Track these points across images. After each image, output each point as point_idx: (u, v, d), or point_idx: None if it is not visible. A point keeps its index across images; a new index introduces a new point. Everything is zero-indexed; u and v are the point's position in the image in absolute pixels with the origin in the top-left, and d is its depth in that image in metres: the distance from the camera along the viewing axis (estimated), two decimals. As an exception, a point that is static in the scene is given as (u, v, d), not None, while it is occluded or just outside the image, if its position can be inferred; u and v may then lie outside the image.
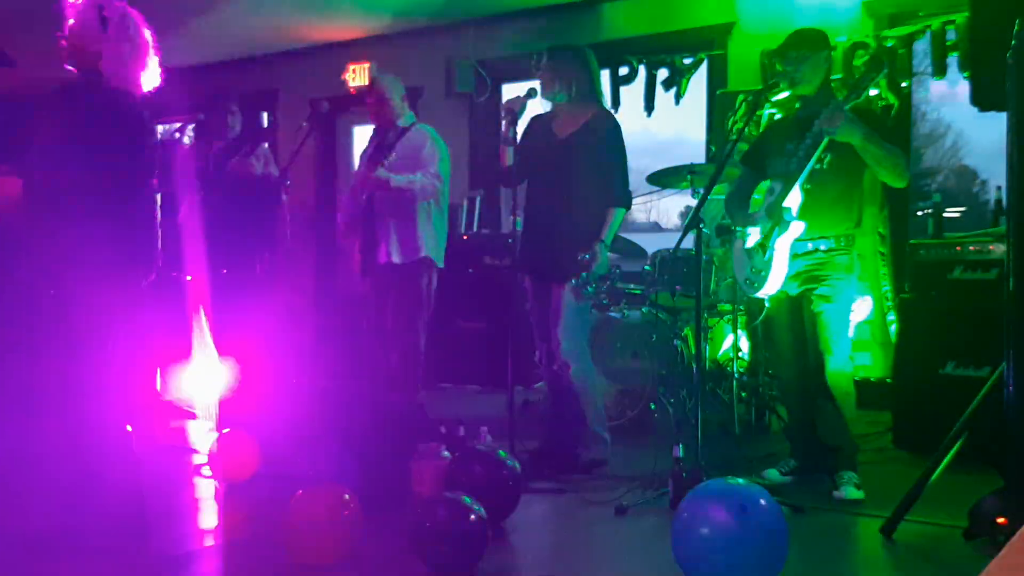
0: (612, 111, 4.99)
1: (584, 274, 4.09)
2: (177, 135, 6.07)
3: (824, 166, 3.78)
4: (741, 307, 5.13)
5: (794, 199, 3.77)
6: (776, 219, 3.80)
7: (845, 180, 3.84)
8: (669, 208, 7.69)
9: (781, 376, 4.16)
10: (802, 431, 4.03)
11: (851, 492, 3.74)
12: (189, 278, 5.11)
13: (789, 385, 4.10)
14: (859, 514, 3.57)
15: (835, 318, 3.83)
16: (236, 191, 5.19)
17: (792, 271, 3.84)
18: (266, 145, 5.49)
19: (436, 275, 4.97)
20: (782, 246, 3.80)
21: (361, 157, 5.17)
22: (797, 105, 4.10)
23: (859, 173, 3.87)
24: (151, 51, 3.40)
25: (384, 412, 4.05)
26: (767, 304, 4.01)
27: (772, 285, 3.85)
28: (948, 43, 5.56)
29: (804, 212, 3.78)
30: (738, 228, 4.04)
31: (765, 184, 4.03)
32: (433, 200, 4.86)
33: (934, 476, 3.23)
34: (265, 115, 9.09)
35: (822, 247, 3.84)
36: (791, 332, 3.97)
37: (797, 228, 3.78)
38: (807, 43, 3.88)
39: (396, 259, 4.84)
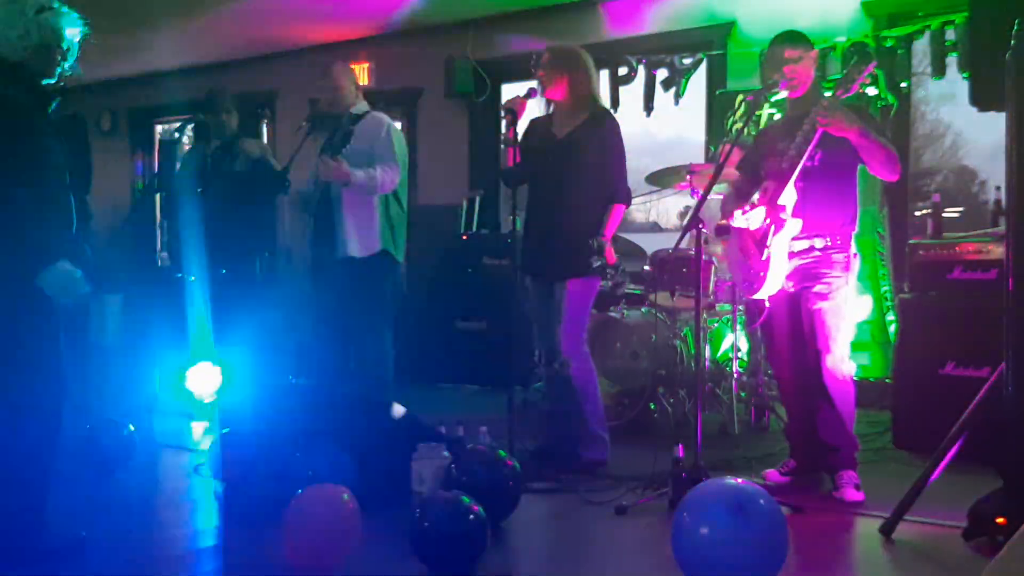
0: (610, 110, 4.99)
1: (599, 260, 4.11)
2: (176, 135, 6.06)
3: (816, 163, 3.78)
4: (741, 307, 5.13)
5: (789, 198, 3.77)
6: (772, 217, 3.81)
7: (837, 177, 3.85)
8: (669, 208, 7.68)
9: (780, 375, 4.15)
10: (802, 431, 4.03)
11: (851, 493, 3.74)
12: (192, 278, 5.10)
13: (788, 384, 4.09)
14: (859, 514, 3.57)
15: (832, 316, 3.83)
16: (234, 190, 5.18)
17: (789, 270, 3.85)
18: (264, 140, 5.47)
19: (399, 272, 4.88)
20: (779, 245, 3.80)
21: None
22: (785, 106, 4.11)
23: (851, 169, 3.88)
24: None
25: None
26: (767, 305, 4.00)
27: (771, 286, 3.85)
28: (948, 43, 5.55)
29: (799, 210, 3.78)
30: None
31: None
32: (392, 193, 4.79)
33: (934, 476, 3.23)
34: (265, 113, 9.09)
35: (817, 245, 3.84)
36: (789, 331, 3.97)
37: (793, 226, 3.78)
38: (801, 43, 3.89)
39: (355, 253, 4.72)
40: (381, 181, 4.67)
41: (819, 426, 3.89)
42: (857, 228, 3.93)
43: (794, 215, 3.77)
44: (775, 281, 3.82)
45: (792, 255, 3.82)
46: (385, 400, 4.48)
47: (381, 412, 4.07)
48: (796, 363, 3.98)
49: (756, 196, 3.92)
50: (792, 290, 3.88)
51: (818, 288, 3.83)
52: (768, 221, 3.80)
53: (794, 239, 3.80)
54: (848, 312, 3.92)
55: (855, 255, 3.91)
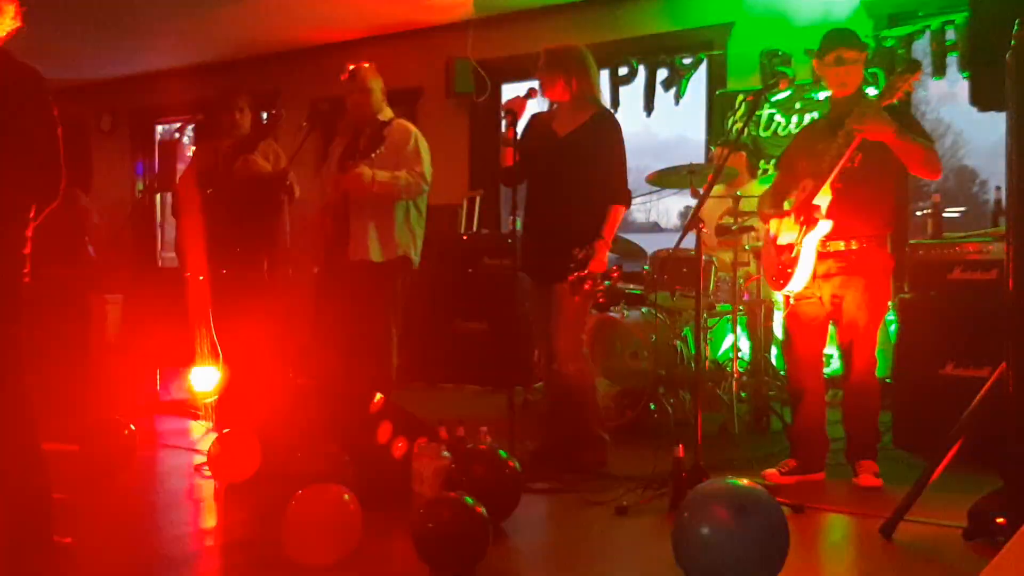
0: (611, 110, 4.99)
1: (579, 273, 4.09)
2: (177, 135, 6.05)
3: (855, 165, 3.80)
4: (741, 307, 5.13)
5: (824, 198, 3.79)
6: (806, 215, 3.82)
7: (876, 180, 3.89)
8: (669, 208, 7.70)
9: (794, 372, 4.13)
10: (808, 431, 4.05)
11: (868, 480, 3.87)
12: (201, 278, 5.10)
13: (800, 382, 4.07)
14: (859, 514, 3.57)
15: (864, 315, 3.89)
16: (242, 190, 5.17)
17: (822, 271, 3.88)
18: (272, 142, 5.45)
19: (410, 276, 4.86)
20: (810, 244, 3.83)
21: (333, 151, 5.01)
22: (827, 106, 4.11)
23: (890, 173, 3.92)
24: None
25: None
26: (792, 301, 4.03)
27: (798, 282, 3.88)
28: (948, 43, 5.56)
29: (833, 211, 3.81)
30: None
31: None
32: (413, 200, 4.79)
33: (934, 476, 3.23)
34: (265, 115, 9.09)
35: (854, 246, 3.88)
36: (815, 329, 4.01)
37: (824, 227, 3.81)
38: (858, 45, 3.94)
39: (374, 257, 4.71)
40: (406, 184, 4.65)
41: (844, 416, 4.02)
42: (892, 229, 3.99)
43: (828, 215, 3.80)
44: (802, 278, 3.87)
45: (827, 255, 3.88)
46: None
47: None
48: (815, 361, 4.04)
49: (794, 195, 3.96)
50: (824, 291, 3.93)
51: (852, 290, 3.88)
52: (801, 219, 3.82)
53: (830, 239, 3.85)
54: (881, 312, 3.97)
55: (891, 256, 3.95)
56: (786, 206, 4.10)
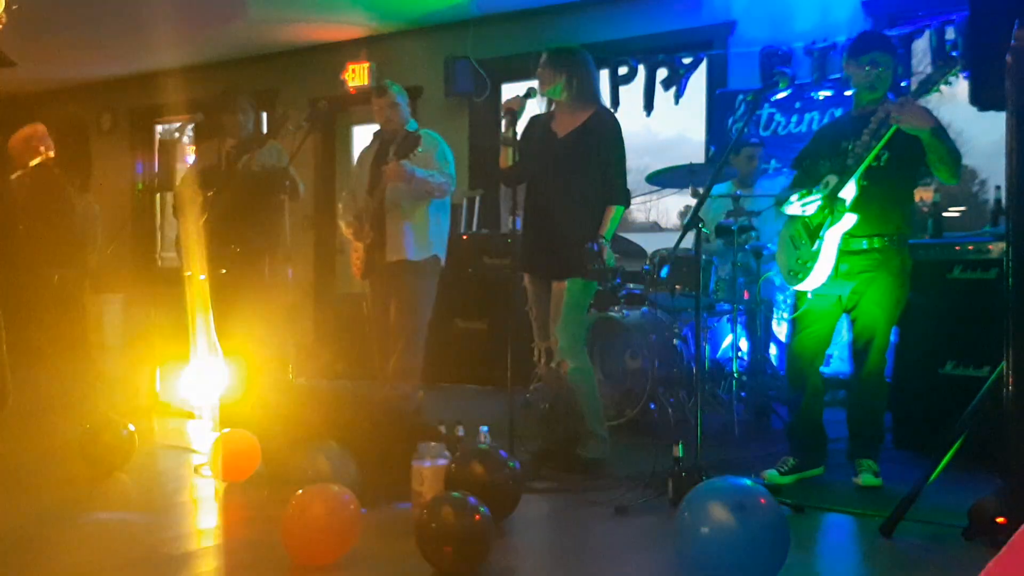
0: (611, 110, 5.01)
1: (596, 265, 4.12)
2: (177, 135, 6.04)
3: (881, 163, 3.81)
4: (741, 307, 5.13)
5: (849, 192, 3.80)
6: (830, 209, 3.83)
7: (900, 179, 3.90)
8: (669, 208, 7.71)
9: (800, 369, 4.11)
10: (807, 427, 4.05)
11: (868, 479, 3.85)
12: (203, 277, 5.11)
13: (804, 380, 4.07)
14: (859, 514, 3.57)
15: (881, 313, 3.90)
16: (245, 190, 5.18)
17: (843, 269, 3.87)
18: (275, 141, 5.46)
19: (440, 273, 5.12)
20: (832, 238, 3.83)
21: (362, 158, 5.21)
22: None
23: (915, 171, 3.93)
24: None
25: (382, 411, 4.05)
26: (810, 297, 4.01)
27: (816, 278, 3.87)
28: (948, 43, 5.56)
29: (857, 207, 3.81)
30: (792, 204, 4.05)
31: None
32: (442, 199, 5.03)
33: (934, 476, 3.23)
34: (265, 114, 9.10)
35: (875, 244, 3.88)
36: (827, 324, 4.01)
37: (849, 221, 3.81)
38: (891, 49, 3.96)
39: (410, 256, 4.94)
40: (439, 184, 4.92)
41: (850, 413, 4.03)
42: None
43: (852, 210, 3.80)
44: (822, 273, 3.86)
45: (850, 254, 3.87)
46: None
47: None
48: (818, 359, 4.04)
49: (816, 192, 3.95)
50: (843, 290, 3.93)
51: (873, 289, 3.88)
52: (826, 212, 3.83)
53: (850, 237, 3.85)
54: (898, 312, 3.96)
55: (910, 256, 3.96)
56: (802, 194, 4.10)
